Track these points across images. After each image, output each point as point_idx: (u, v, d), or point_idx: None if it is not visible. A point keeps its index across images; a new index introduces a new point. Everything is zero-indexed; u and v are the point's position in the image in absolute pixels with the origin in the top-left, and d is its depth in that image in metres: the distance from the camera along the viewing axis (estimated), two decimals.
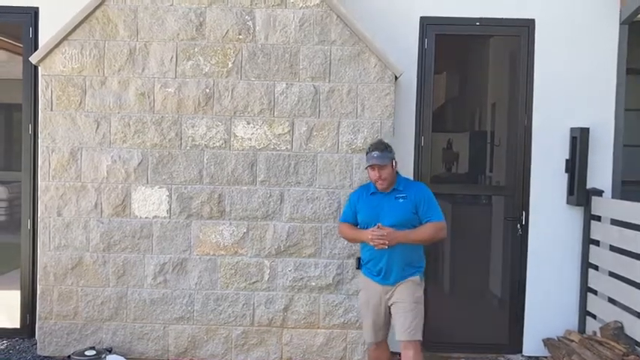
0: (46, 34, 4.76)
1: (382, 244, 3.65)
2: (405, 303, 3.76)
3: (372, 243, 3.68)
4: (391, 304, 3.83)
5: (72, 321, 4.59)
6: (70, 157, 4.54)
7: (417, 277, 3.84)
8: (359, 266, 4.02)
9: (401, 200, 3.79)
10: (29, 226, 4.96)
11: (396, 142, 4.73)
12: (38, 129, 4.67)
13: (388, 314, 3.88)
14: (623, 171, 4.92)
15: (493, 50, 5.22)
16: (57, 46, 4.51)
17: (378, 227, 3.67)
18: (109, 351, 4.45)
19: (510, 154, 5.00)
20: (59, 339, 4.58)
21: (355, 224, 3.91)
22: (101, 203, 4.56)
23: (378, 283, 3.84)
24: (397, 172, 3.91)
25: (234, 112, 4.53)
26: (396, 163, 3.85)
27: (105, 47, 4.53)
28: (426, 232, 3.78)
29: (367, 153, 3.86)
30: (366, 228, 3.78)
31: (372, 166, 3.78)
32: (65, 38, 4.51)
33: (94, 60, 4.53)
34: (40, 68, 4.59)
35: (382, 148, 3.81)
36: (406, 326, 3.72)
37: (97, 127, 4.54)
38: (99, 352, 4.33)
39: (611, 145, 4.89)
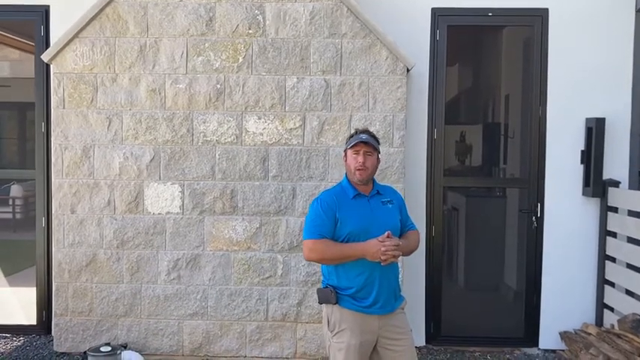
0: (57, 32, 4.78)
1: (394, 257, 2.92)
2: (409, 338, 3.06)
3: (382, 257, 2.88)
4: (387, 341, 3.01)
5: (87, 317, 4.61)
6: (83, 154, 4.56)
7: (404, 303, 3.15)
8: (337, 300, 2.98)
9: (389, 206, 3.11)
10: (44, 223, 4.99)
11: (409, 135, 4.72)
12: (51, 127, 4.69)
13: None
14: None
15: (506, 41, 5.15)
16: (68, 43, 4.52)
17: (388, 235, 2.91)
18: (125, 347, 4.47)
19: (525, 146, 4.94)
20: (75, 335, 4.62)
21: (332, 240, 2.98)
22: (114, 200, 4.57)
23: (375, 316, 2.98)
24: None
25: (246, 108, 4.52)
26: (379, 161, 3.18)
27: (115, 44, 4.53)
28: (416, 242, 3.20)
29: (350, 137, 3.15)
30: (355, 241, 2.96)
31: (356, 149, 3.05)
32: (76, 36, 4.52)
33: (105, 57, 4.53)
34: (51, 66, 4.61)
35: (372, 134, 3.14)
36: None
37: (109, 124, 4.55)
38: (114, 348, 4.35)
39: (628, 136, 4.81)
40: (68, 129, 4.56)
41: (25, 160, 5.35)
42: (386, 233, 2.92)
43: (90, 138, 4.56)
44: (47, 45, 4.88)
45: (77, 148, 4.56)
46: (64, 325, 4.62)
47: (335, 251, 2.96)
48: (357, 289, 2.97)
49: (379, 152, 3.14)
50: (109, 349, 4.34)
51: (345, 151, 3.14)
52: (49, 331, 4.99)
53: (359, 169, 3.04)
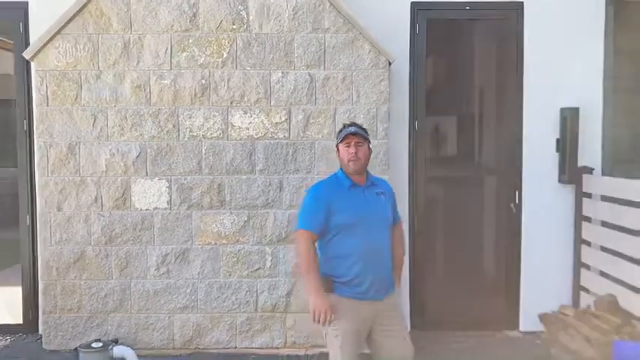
0: (37, 30, 4.72)
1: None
2: (403, 324, 3.26)
3: (311, 315, 3.02)
4: (382, 327, 3.13)
5: (76, 314, 4.62)
6: (69, 151, 4.55)
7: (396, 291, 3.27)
8: (333, 289, 3.09)
9: (382, 197, 3.20)
10: (28, 221, 4.96)
11: (391, 127, 4.82)
12: (33, 125, 4.66)
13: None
14: (612, 149, 5.03)
15: (484, 34, 5.27)
16: (50, 40, 4.49)
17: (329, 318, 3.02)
18: (115, 342, 4.48)
19: (502, 136, 5.09)
20: (64, 332, 4.62)
21: (321, 231, 3.10)
22: (101, 197, 4.57)
23: (369, 302, 3.09)
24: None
25: (231, 102, 4.56)
26: (371, 150, 3.25)
27: (99, 41, 4.52)
28: (403, 247, 3.42)
29: (339, 131, 3.24)
30: (350, 231, 3.06)
31: (347, 142, 3.13)
32: (58, 32, 4.49)
33: (89, 54, 4.52)
34: (33, 64, 4.57)
35: (360, 126, 3.24)
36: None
37: (94, 121, 4.55)
38: (105, 344, 4.35)
39: (600, 124, 5.00)
40: (53, 126, 4.54)
41: (5, 158, 5.28)
42: (328, 318, 2.99)
43: (75, 135, 4.55)
44: (27, 42, 4.83)
45: (62, 145, 4.55)
46: (53, 323, 4.62)
47: (305, 265, 3.06)
48: (352, 276, 3.07)
49: (369, 142, 3.23)
50: (101, 345, 4.34)
51: (337, 146, 3.23)
52: (36, 329, 4.97)
53: (352, 160, 3.13)
